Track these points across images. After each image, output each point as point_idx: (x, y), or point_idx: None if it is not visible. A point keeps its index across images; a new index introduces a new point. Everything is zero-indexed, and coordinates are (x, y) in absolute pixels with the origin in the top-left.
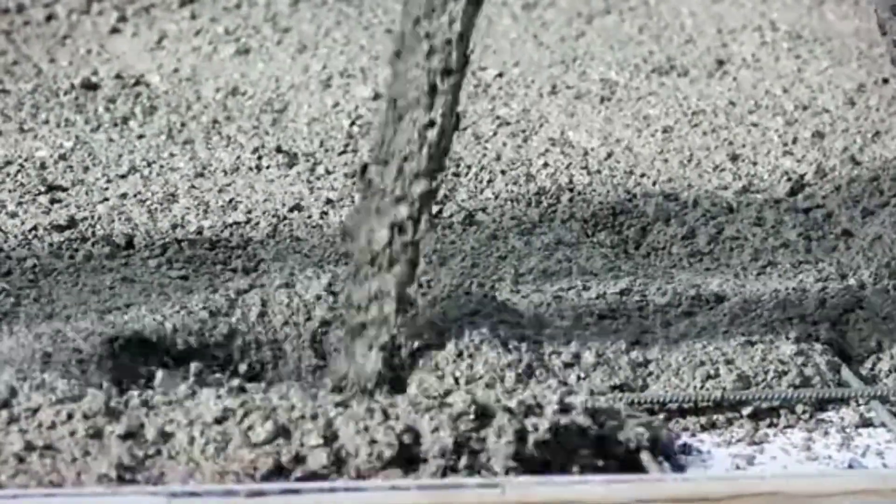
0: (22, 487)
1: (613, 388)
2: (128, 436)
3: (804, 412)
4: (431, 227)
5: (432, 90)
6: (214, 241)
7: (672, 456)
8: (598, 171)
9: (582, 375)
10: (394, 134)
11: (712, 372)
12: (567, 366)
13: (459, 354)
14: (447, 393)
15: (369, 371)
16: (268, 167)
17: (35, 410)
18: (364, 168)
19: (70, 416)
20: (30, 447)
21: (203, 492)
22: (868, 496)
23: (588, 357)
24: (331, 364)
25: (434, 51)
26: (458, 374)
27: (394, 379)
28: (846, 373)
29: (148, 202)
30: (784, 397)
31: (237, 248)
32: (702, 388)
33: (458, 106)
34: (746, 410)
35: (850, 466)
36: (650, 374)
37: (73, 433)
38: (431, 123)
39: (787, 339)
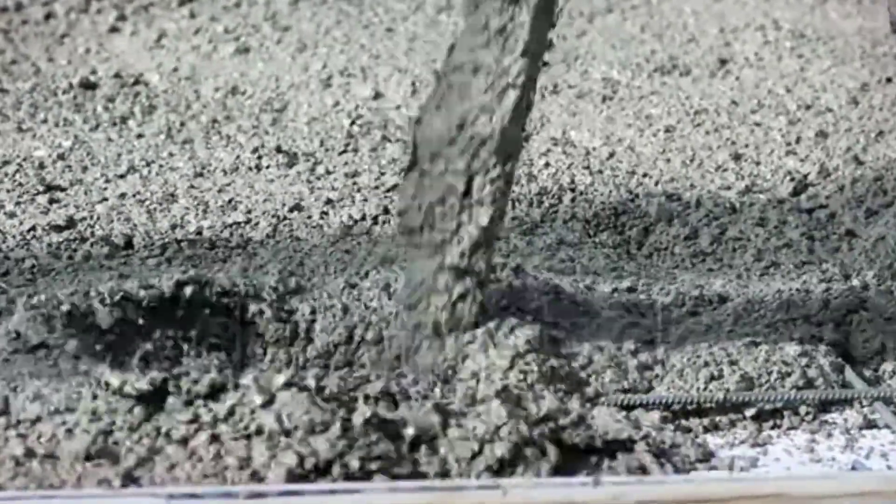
0: (21, 489)
1: (618, 390)
2: (137, 465)
3: (808, 414)
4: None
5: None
6: (214, 241)
7: (674, 457)
8: (600, 171)
9: (592, 376)
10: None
11: (716, 373)
12: (581, 368)
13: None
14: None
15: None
16: (268, 167)
17: (34, 421)
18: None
19: (70, 431)
20: (30, 454)
21: (202, 493)
22: (872, 498)
23: (600, 360)
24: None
25: None
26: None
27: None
28: (850, 374)
29: (147, 202)
30: (787, 399)
31: (237, 248)
32: (705, 389)
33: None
34: (750, 412)
35: (854, 468)
36: (655, 375)
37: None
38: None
39: (791, 340)
